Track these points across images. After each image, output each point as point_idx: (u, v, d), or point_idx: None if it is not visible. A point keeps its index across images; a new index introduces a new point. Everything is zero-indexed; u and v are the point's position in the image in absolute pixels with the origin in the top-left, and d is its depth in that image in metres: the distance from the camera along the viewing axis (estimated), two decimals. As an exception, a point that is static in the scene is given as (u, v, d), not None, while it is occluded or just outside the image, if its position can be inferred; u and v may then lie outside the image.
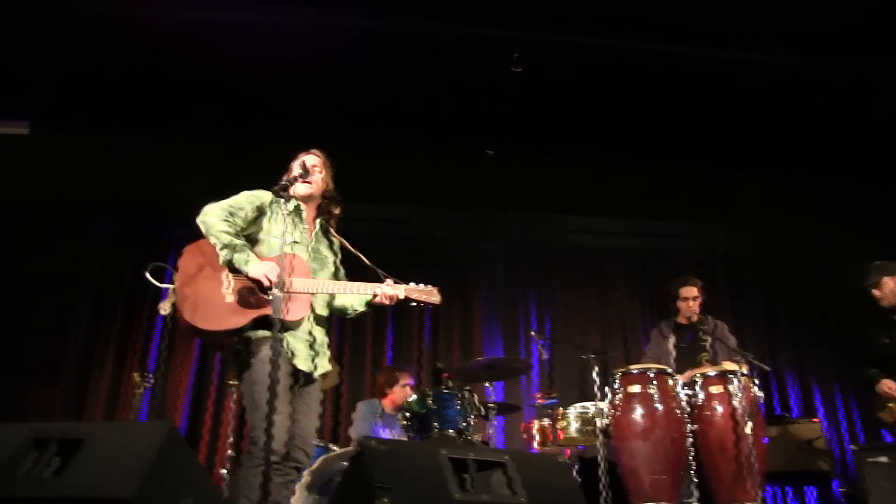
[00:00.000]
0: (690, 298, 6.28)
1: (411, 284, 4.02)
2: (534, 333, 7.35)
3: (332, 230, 4.18)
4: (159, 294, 7.00)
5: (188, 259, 3.80)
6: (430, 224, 8.60)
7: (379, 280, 4.02)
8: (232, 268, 3.76)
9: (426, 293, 4.03)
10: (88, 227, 8.17)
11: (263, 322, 3.69)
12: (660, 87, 7.46)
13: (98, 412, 7.36)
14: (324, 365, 3.90)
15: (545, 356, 7.03)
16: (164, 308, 4.19)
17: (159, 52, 7.03)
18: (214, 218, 3.77)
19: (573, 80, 7.41)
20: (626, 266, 8.57)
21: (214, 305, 3.67)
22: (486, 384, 6.11)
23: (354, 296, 4.04)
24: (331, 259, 4.11)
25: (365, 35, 6.86)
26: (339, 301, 4.10)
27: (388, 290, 3.93)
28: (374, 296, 3.96)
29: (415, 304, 4.03)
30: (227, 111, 7.97)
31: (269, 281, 3.64)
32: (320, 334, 3.93)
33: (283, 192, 3.70)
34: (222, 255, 3.72)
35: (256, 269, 3.69)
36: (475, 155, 8.46)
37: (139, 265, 7.19)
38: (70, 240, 8.08)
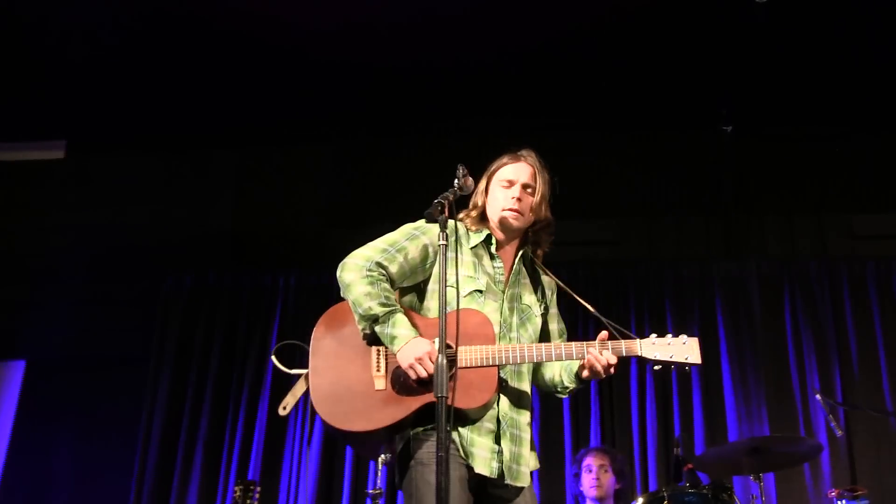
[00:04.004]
0: None
1: (653, 337, 3.66)
2: (818, 395, 6.52)
3: (540, 265, 4.01)
4: (282, 380, 7.51)
5: (324, 331, 3.73)
6: (649, 241, 8.42)
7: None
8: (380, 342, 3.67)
9: (677, 348, 3.66)
10: (158, 285, 8.31)
11: (431, 412, 3.39)
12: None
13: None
14: (524, 463, 3.69)
15: (839, 431, 6.24)
16: (286, 405, 3.95)
17: (234, 21, 7.14)
18: (354, 274, 3.65)
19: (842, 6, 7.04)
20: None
21: (360, 396, 3.58)
22: (752, 477, 5.85)
23: (561, 365, 3.83)
24: (537, 309, 3.92)
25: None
26: (548, 371, 3.91)
27: (596, 351, 3.59)
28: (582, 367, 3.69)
29: (659, 367, 3.66)
30: (350, 98, 8.00)
31: (417, 374, 3.47)
32: (522, 421, 3.73)
33: (435, 218, 3.41)
34: (360, 329, 3.64)
35: (404, 354, 3.53)
36: (707, 136, 8.21)
37: (231, 332, 8.13)
38: (134, 302, 8.27)
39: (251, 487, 6.01)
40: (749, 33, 7.05)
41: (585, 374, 3.61)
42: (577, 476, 6.53)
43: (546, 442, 7.52)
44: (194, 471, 7.66)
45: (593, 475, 6.39)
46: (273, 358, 4.23)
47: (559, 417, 7.67)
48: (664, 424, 7.57)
